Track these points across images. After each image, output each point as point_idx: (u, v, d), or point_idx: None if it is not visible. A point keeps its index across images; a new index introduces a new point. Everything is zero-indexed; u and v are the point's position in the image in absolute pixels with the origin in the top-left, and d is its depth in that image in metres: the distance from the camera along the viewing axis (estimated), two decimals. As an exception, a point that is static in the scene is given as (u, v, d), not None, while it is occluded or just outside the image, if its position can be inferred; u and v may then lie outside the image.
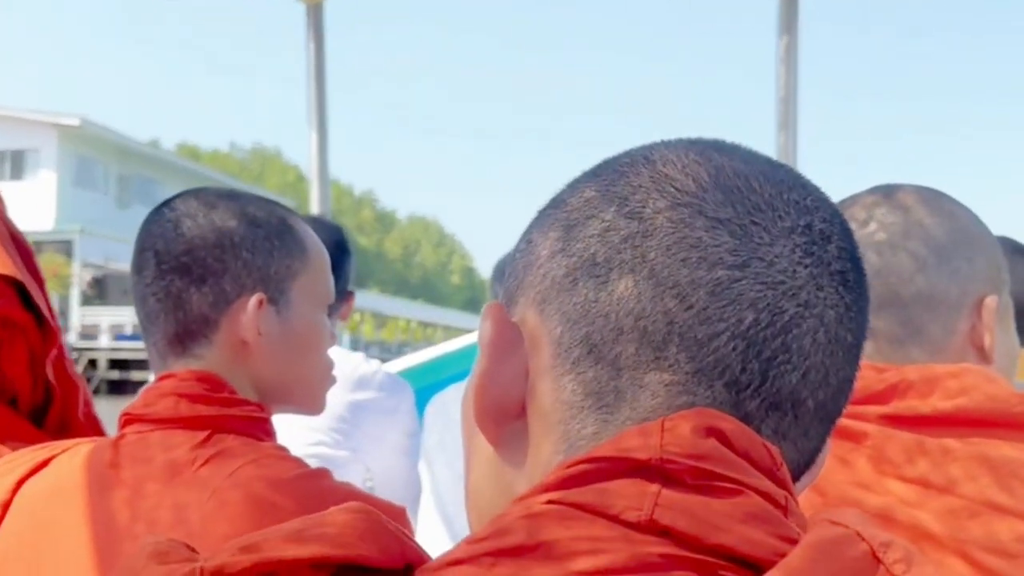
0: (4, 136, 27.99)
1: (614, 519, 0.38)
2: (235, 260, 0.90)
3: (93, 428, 1.16)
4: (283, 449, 0.90)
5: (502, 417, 0.44)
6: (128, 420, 0.89)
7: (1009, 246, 1.48)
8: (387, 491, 1.65)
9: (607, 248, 0.42)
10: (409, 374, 2.17)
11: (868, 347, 0.83)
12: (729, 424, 0.40)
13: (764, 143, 2.51)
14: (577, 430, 0.42)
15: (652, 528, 0.38)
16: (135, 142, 31.39)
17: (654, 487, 0.39)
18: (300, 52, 2.62)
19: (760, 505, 0.39)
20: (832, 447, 0.48)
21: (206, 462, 0.84)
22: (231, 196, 0.95)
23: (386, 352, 34.63)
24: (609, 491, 0.39)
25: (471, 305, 73.80)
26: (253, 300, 0.90)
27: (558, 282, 0.44)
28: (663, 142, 0.47)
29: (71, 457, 0.88)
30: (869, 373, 0.80)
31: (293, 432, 1.48)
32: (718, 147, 0.45)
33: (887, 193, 0.89)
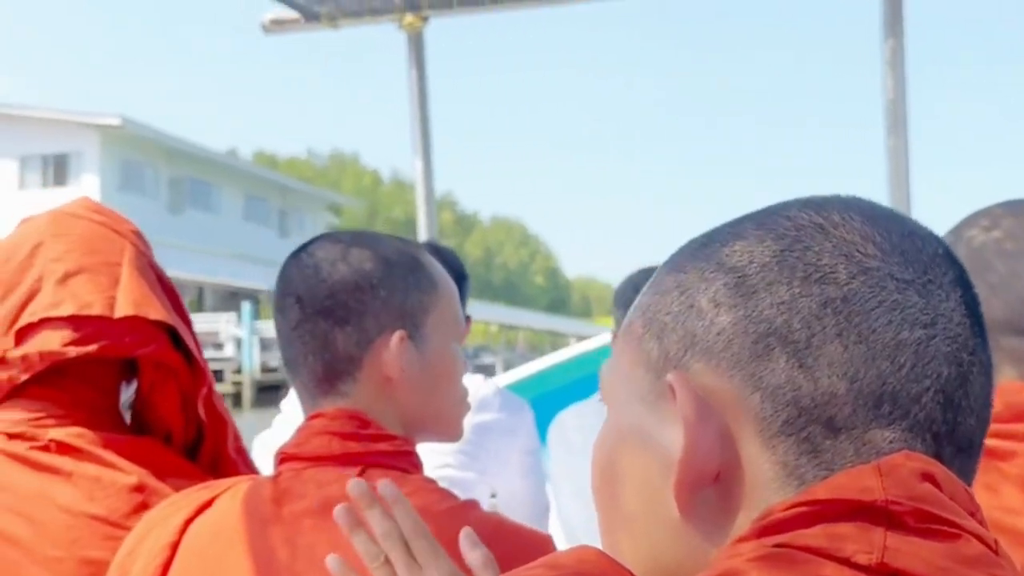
0: (44, 140, 27.13)
1: (844, 562, 0.41)
2: (374, 300, 0.96)
3: (243, 462, 1.23)
4: (431, 481, 0.96)
5: (700, 486, 0.46)
6: (283, 458, 0.95)
7: None
8: (510, 510, 1.75)
9: (803, 315, 0.45)
10: (520, 386, 2.28)
11: (1011, 371, 0.90)
12: (936, 469, 0.44)
13: (875, 145, 2.56)
14: (795, 485, 0.45)
15: (883, 571, 0.40)
16: (185, 143, 30.45)
17: (880, 530, 0.41)
18: (398, 72, 2.78)
19: (978, 548, 0.42)
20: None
21: None
22: (363, 238, 1.02)
23: (464, 355, 34.95)
24: (838, 534, 0.41)
25: (555, 306, 73.81)
26: (395, 337, 0.95)
27: (748, 349, 0.46)
28: (815, 202, 0.50)
29: (232, 496, 0.95)
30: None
31: (421, 455, 1.61)
32: (870, 207, 0.49)
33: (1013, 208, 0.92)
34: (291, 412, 1.97)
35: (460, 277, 1.81)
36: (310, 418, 0.96)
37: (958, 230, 0.94)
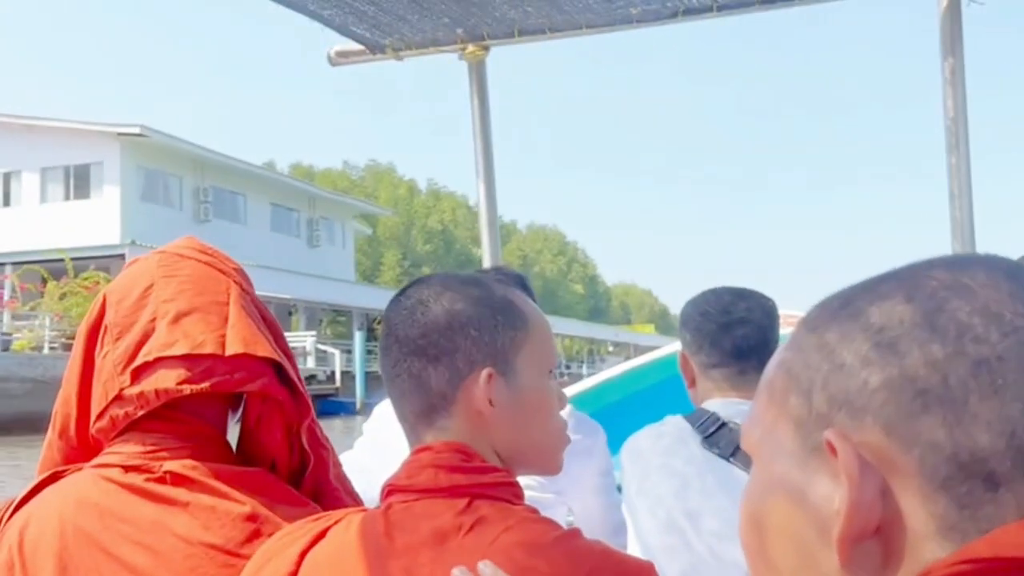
0: (65, 150, 26.91)
1: None
2: (464, 339, 1.02)
3: (344, 489, 1.28)
4: (535, 511, 1.00)
5: (861, 539, 0.48)
6: (391, 490, 1.01)
7: None
8: (587, 528, 1.85)
9: (959, 374, 0.47)
10: (579, 400, 2.36)
11: None
12: None
13: (938, 164, 2.63)
14: (958, 540, 0.47)
15: None
16: (210, 151, 30.24)
17: None
18: (434, 84, 2.90)
19: None
20: None
21: (469, 531, 0.94)
22: (456, 280, 1.08)
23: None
24: None
25: (595, 314, 73.66)
26: (483, 374, 1.01)
27: (905, 407, 0.48)
28: (959, 261, 0.53)
29: (346, 527, 1.00)
30: None
31: None
32: (1012, 266, 0.52)
33: None
34: (375, 433, 2.08)
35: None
36: (416, 451, 1.02)
37: None
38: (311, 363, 27.58)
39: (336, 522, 1.01)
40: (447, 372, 1.02)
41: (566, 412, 1.94)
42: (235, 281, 1.26)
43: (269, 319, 1.29)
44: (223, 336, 1.19)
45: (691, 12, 2.62)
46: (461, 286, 1.06)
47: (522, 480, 1.85)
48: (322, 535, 1.00)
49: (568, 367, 38.54)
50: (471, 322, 1.03)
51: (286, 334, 1.34)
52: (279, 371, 1.22)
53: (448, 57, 2.92)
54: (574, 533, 0.98)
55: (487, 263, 2.84)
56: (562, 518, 1.86)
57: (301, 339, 28.17)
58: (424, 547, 0.94)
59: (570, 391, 2.42)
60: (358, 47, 2.86)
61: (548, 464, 1.11)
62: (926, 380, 0.48)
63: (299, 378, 1.25)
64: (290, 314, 31.32)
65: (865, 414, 0.49)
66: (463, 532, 0.94)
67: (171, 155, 28.44)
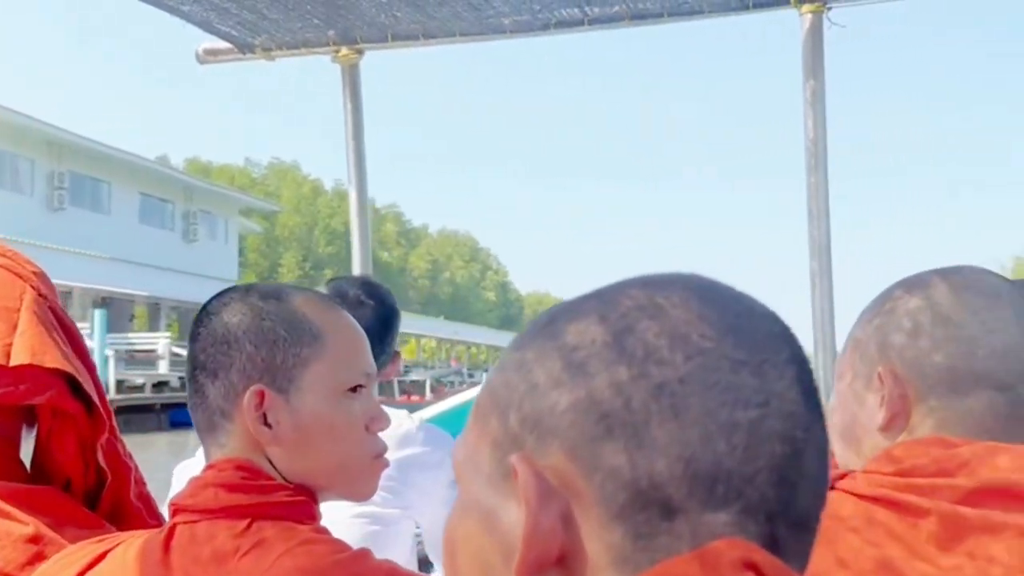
0: None
1: None
2: (240, 354, 1.01)
3: (147, 508, 1.26)
4: (323, 532, 1.00)
5: (542, 568, 0.48)
6: (176, 510, 1.00)
7: None
8: (436, 544, 1.85)
9: (641, 396, 0.47)
10: (442, 419, 2.42)
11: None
12: (760, 556, 0.45)
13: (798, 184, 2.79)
14: (631, 571, 0.47)
15: None
16: (68, 132, 28.23)
17: None
18: (334, 100, 2.95)
19: None
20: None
21: (246, 553, 0.94)
22: (256, 291, 1.06)
23: (409, 371, 34.70)
24: None
25: (506, 323, 73.99)
26: (249, 392, 1.00)
27: (589, 430, 0.48)
28: (654, 281, 0.52)
29: (125, 550, 0.99)
30: None
31: None
32: (710, 288, 0.52)
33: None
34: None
35: (391, 315, 1.92)
36: (204, 469, 1.02)
37: (894, 291, 1.05)
38: (164, 368, 25.34)
39: (118, 544, 1.00)
40: (223, 387, 1.02)
41: (415, 425, 1.97)
42: (32, 286, 1.24)
43: (69, 327, 1.26)
44: (9, 345, 1.16)
45: (563, 25, 2.72)
46: (250, 299, 1.05)
47: None
48: (101, 558, 0.99)
49: (471, 375, 38.56)
50: (248, 336, 1.02)
51: (139, 335, 1.32)
52: (73, 383, 1.19)
53: (323, 61, 2.97)
54: (360, 555, 0.97)
55: (356, 269, 2.89)
56: (408, 533, 1.88)
57: (152, 341, 26.09)
58: (202, 571, 0.94)
59: (429, 412, 2.48)
60: (226, 46, 2.88)
61: (349, 490, 1.09)
62: (610, 403, 0.48)
63: (98, 391, 1.23)
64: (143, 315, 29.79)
65: (553, 437, 0.49)
66: (239, 555, 0.94)
67: (20, 134, 26.30)
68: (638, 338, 0.49)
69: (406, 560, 1.82)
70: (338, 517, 1.49)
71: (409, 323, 41.30)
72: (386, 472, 1.82)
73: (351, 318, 1.10)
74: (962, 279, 1.01)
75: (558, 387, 0.49)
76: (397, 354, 1.99)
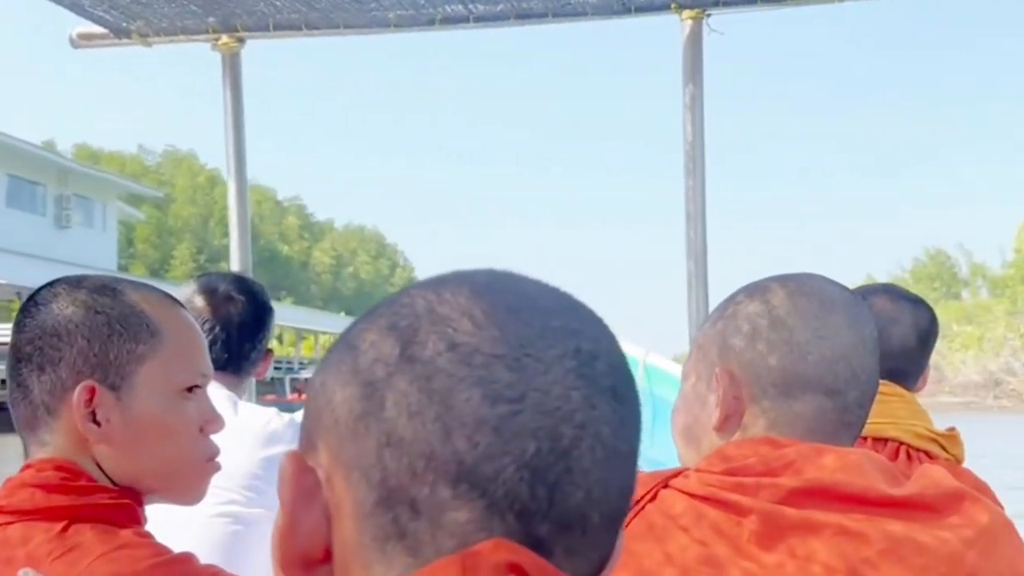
0: None
1: None
2: (71, 348, 0.99)
3: None
4: (144, 536, 0.99)
5: (308, 565, 0.49)
6: None
7: (896, 293, 1.86)
8: None
9: (394, 393, 0.48)
10: None
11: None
12: (525, 558, 0.46)
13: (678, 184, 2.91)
14: (381, 574, 0.48)
15: None
16: None
17: None
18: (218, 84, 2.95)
19: None
20: None
21: (59, 557, 0.93)
22: (87, 283, 1.03)
23: (304, 368, 34.29)
24: None
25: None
26: (79, 388, 0.98)
27: (350, 427, 0.49)
28: (437, 279, 0.54)
29: None
30: None
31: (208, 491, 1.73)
32: (491, 283, 0.52)
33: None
34: None
35: (263, 311, 1.93)
36: (22, 468, 1.00)
37: (737, 296, 1.10)
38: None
39: None
40: (49, 382, 1.00)
41: (284, 423, 1.92)
42: None
43: None
44: None
45: (448, 21, 2.78)
46: (83, 291, 1.03)
47: (228, 495, 1.79)
48: None
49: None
50: (81, 329, 1.00)
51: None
52: None
53: (202, 49, 2.96)
54: (181, 559, 0.97)
55: (235, 265, 2.89)
56: (270, 535, 1.91)
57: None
58: (13, 574, 0.93)
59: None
60: (101, 30, 2.85)
61: (179, 493, 1.08)
62: (368, 401, 0.49)
63: None
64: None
65: (329, 434, 0.51)
66: (52, 559, 0.93)
67: None
68: (401, 334, 0.50)
69: (267, 562, 1.81)
70: (197, 517, 1.50)
71: (310, 319, 40.77)
72: (251, 471, 1.80)
73: (190, 317, 1.10)
74: (799, 286, 1.07)
75: (335, 383, 0.51)
76: (270, 352, 1.99)
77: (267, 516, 1.81)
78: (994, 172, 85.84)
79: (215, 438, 1.11)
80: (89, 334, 1.00)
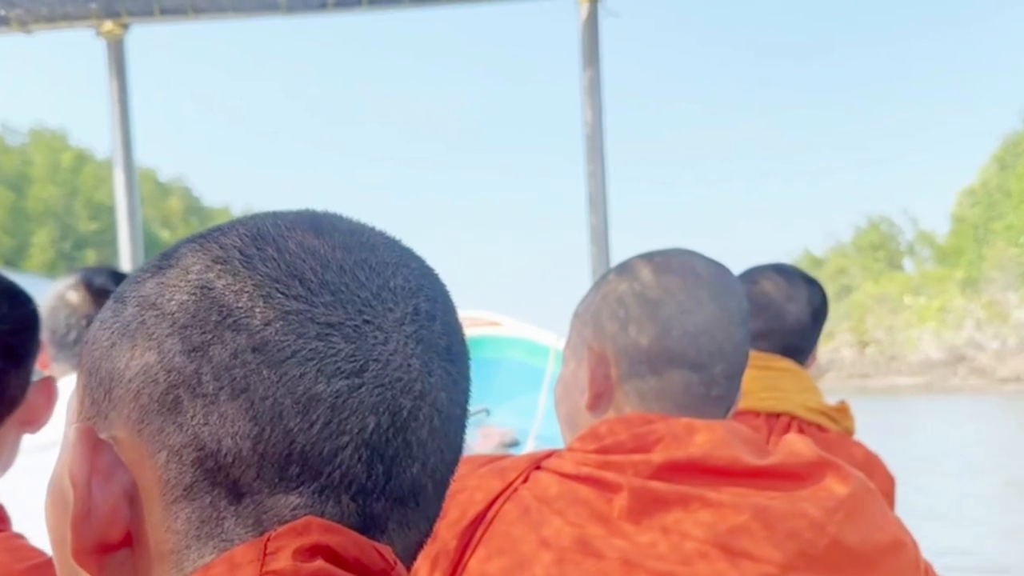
0: None
1: None
2: None
3: None
4: (18, 537, 1.06)
5: (104, 550, 0.48)
6: None
7: (789, 271, 2.07)
8: None
9: (214, 365, 0.46)
10: None
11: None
12: (338, 536, 0.46)
13: (577, 168, 3.20)
14: (194, 560, 0.47)
15: None
16: None
17: None
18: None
19: None
20: None
21: None
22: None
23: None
24: None
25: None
26: None
27: (156, 400, 0.47)
28: (252, 224, 0.51)
29: None
30: None
31: None
32: (318, 227, 0.51)
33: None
34: None
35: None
36: None
37: (608, 275, 1.19)
38: None
39: None
40: None
41: None
42: None
43: None
44: None
45: (341, 5, 3.03)
46: None
47: None
48: None
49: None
50: None
51: None
52: None
53: (86, 35, 3.15)
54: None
55: (125, 258, 3.10)
56: None
57: None
58: None
59: None
60: (-25, 17, 3.03)
61: None
62: (180, 372, 0.47)
63: None
64: None
65: (123, 405, 0.49)
66: None
67: None
68: (218, 296, 0.48)
69: None
70: None
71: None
72: None
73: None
74: (664, 261, 1.16)
75: (133, 350, 0.49)
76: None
77: None
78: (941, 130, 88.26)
79: None
80: None
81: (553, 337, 4.93)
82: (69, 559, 0.49)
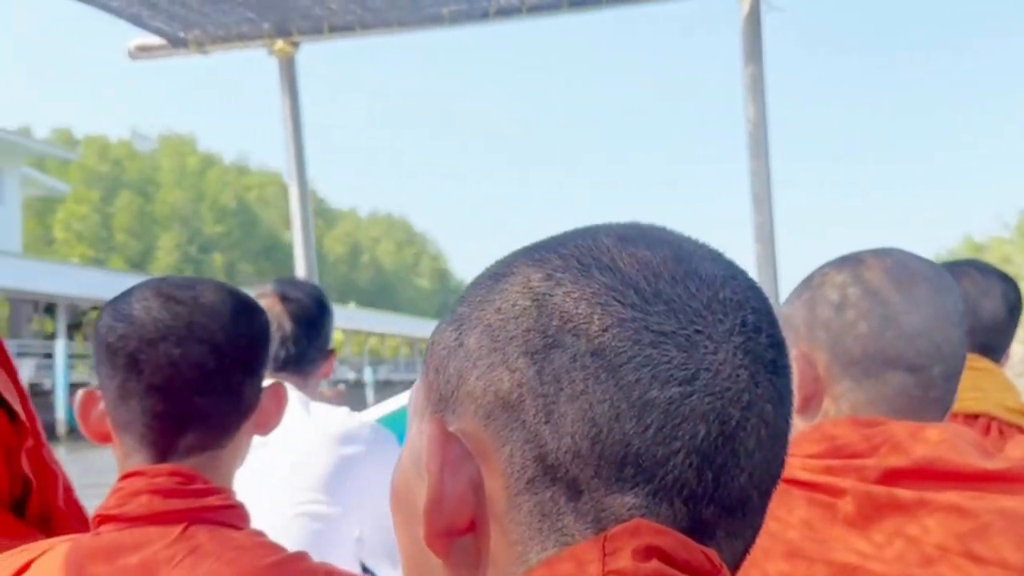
0: None
1: None
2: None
3: (75, 514, 1.40)
4: (258, 534, 1.12)
5: (452, 534, 0.53)
6: (100, 521, 1.10)
7: (984, 267, 2.06)
8: (378, 543, 2.08)
9: (554, 367, 0.51)
10: (388, 420, 2.79)
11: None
12: (667, 539, 0.50)
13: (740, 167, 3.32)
14: (537, 552, 0.52)
15: None
16: None
17: None
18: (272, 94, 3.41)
19: None
20: None
21: (180, 562, 1.05)
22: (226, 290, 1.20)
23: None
24: None
25: (444, 311, 73.57)
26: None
27: (502, 397, 0.52)
28: (590, 235, 0.56)
29: (50, 560, 1.07)
30: None
31: (286, 492, 1.96)
32: (650, 241, 0.55)
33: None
34: None
35: (321, 311, 2.21)
36: (129, 476, 1.13)
37: (824, 268, 1.19)
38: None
39: (42, 553, 1.10)
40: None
41: (357, 423, 2.18)
42: None
43: None
44: None
45: (501, 13, 3.21)
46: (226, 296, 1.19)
47: (307, 496, 2.03)
48: (25, 568, 1.09)
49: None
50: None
51: None
52: None
53: (259, 54, 3.42)
54: (296, 557, 1.11)
55: (300, 269, 3.35)
56: (350, 534, 2.08)
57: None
58: None
59: (374, 413, 2.85)
60: (158, 41, 3.31)
61: None
62: (523, 372, 0.52)
63: (21, 397, 1.38)
64: None
65: (471, 401, 0.54)
66: (174, 564, 1.06)
67: None
68: (556, 305, 0.53)
69: (348, 561, 2.03)
70: (279, 517, 1.84)
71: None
72: (328, 471, 2.05)
73: None
74: (876, 261, 1.15)
75: (480, 349, 0.54)
76: (332, 351, 2.28)
77: (344, 514, 2.04)
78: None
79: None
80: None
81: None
82: (411, 539, 0.57)
